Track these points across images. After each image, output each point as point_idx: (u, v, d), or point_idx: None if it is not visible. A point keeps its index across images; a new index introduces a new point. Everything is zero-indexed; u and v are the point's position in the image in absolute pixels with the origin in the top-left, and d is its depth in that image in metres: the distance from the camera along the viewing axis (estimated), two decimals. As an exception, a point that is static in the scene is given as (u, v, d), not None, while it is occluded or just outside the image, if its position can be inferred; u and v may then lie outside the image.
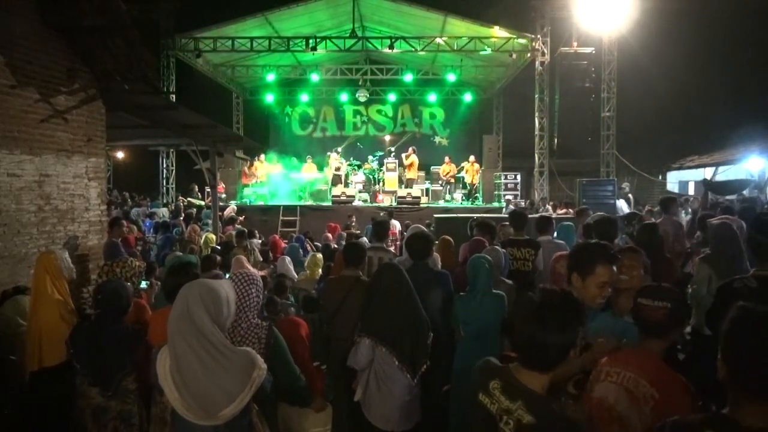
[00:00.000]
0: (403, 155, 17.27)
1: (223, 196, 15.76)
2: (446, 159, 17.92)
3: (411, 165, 17.00)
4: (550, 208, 14.19)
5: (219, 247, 8.06)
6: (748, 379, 1.52)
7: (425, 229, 5.20)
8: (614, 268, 2.51)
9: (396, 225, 11.73)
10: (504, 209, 14.46)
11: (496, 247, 4.74)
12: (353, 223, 12.32)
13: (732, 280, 3.34)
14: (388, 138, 21.88)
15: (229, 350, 2.22)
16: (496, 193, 17.11)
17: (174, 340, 2.15)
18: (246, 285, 2.74)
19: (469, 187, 17.60)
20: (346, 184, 16.79)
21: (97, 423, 2.96)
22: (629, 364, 2.13)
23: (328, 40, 16.24)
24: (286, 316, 4.38)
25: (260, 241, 10.02)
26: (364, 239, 8.97)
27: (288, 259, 7.06)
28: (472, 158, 17.70)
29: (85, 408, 2.99)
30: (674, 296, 2.20)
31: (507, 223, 6.08)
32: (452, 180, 17.75)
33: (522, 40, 15.88)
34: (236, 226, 11.40)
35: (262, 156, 17.85)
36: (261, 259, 8.16)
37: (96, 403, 2.97)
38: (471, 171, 17.47)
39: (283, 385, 2.80)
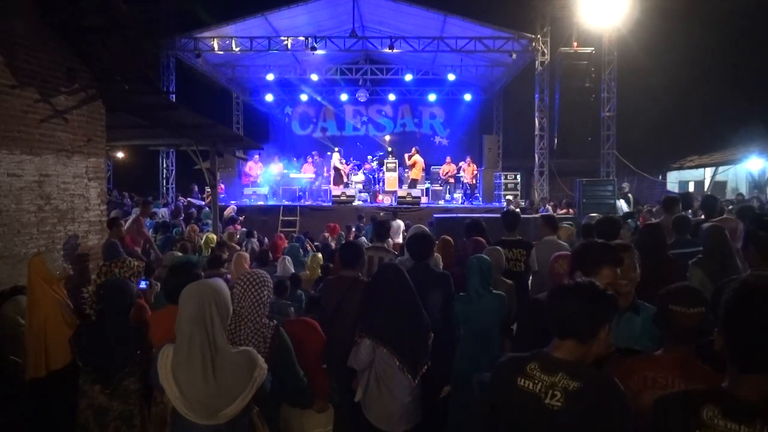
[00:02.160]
0: (406, 155, 17.08)
1: (223, 196, 15.75)
2: (447, 159, 18.02)
3: (414, 165, 16.83)
4: (550, 208, 14.20)
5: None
6: (747, 353, 1.52)
7: (426, 229, 5.20)
8: (618, 271, 2.47)
9: (400, 225, 11.53)
10: (504, 209, 14.45)
11: (497, 247, 4.74)
12: (364, 224, 12.18)
13: (729, 280, 3.33)
14: (388, 138, 21.88)
15: (231, 350, 2.23)
16: (496, 193, 17.12)
17: (182, 340, 2.17)
18: (258, 287, 2.73)
19: (466, 187, 17.63)
20: (347, 185, 16.80)
21: (99, 423, 2.95)
22: (674, 369, 2.03)
23: (328, 40, 16.24)
24: (284, 316, 4.37)
25: (256, 240, 10.00)
26: (363, 239, 8.98)
27: (289, 259, 7.06)
28: (468, 158, 17.84)
29: (86, 408, 2.99)
30: (704, 298, 2.13)
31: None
32: (451, 180, 17.77)
33: (522, 40, 15.88)
34: (237, 226, 11.41)
35: (257, 156, 17.82)
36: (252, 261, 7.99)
37: (98, 403, 2.96)
38: (468, 171, 17.49)
39: (285, 385, 2.80)
